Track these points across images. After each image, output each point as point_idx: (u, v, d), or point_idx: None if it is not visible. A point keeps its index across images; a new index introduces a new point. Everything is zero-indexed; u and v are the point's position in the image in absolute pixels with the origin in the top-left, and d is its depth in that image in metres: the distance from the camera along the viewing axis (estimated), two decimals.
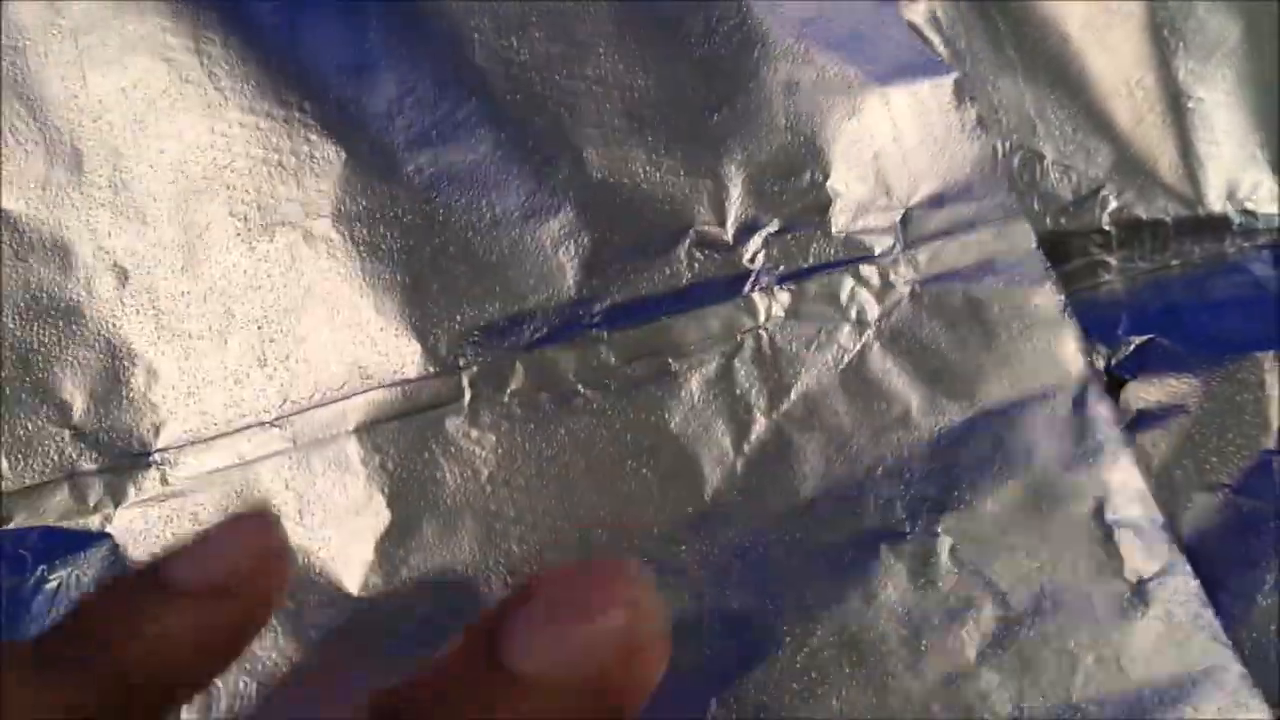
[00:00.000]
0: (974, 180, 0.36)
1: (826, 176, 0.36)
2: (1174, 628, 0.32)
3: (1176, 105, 0.39)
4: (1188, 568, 0.33)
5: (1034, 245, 0.35)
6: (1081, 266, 0.38)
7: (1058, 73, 0.39)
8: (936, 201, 0.36)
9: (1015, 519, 0.33)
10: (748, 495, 0.33)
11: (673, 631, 0.17)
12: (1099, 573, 0.33)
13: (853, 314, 0.35)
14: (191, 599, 0.17)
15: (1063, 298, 0.35)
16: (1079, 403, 0.34)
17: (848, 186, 0.36)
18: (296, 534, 0.33)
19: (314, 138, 0.36)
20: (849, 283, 0.35)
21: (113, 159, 0.35)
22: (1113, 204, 0.38)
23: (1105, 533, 0.33)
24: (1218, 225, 0.38)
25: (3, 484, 0.33)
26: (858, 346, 0.35)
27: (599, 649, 0.15)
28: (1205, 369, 0.36)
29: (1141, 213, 0.38)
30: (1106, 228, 0.38)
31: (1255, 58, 0.39)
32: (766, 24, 0.37)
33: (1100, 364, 0.36)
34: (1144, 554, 0.33)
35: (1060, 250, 0.38)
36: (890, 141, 0.36)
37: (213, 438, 0.34)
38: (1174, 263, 0.38)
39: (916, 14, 0.38)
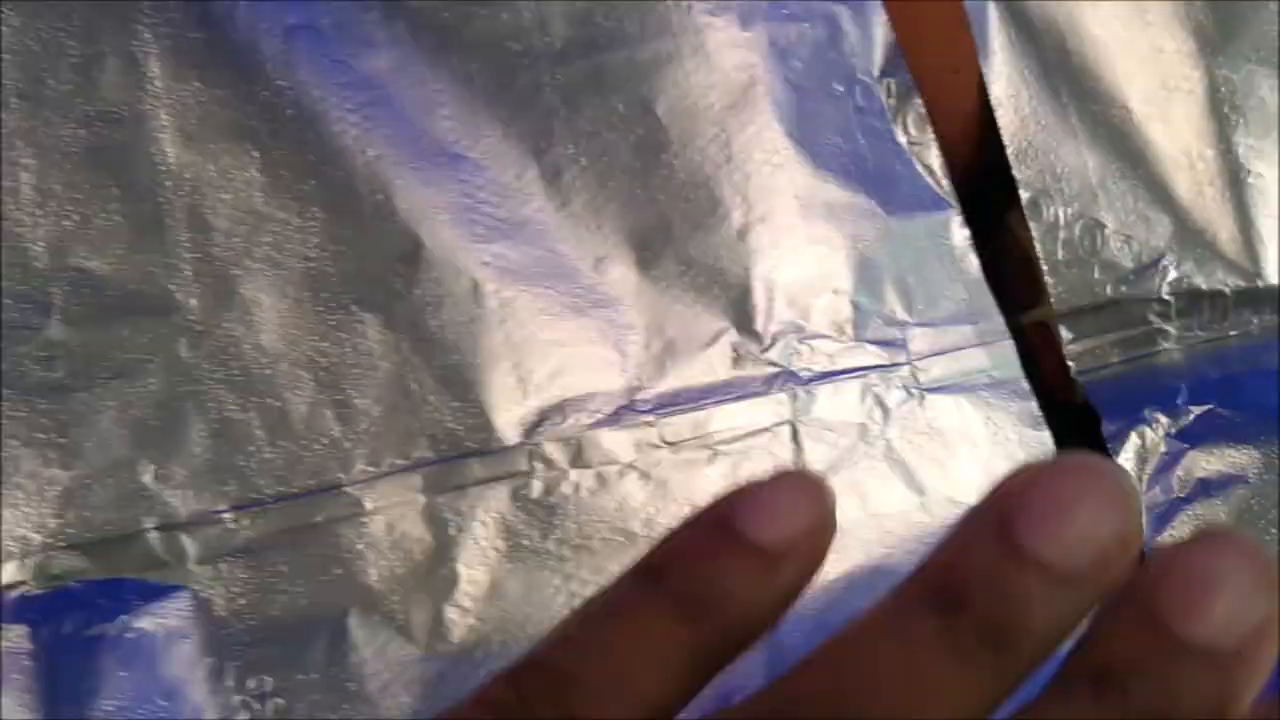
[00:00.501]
0: (968, 306, 0.40)
1: (846, 292, 0.40)
2: None
3: (1236, 179, 0.39)
4: None
5: (1018, 365, 0.39)
6: (1140, 334, 0.38)
7: (1119, 144, 0.39)
8: (936, 322, 0.40)
9: None
10: None
11: None
12: None
13: (866, 415, 0.39)
14: (767, 554, 0.16)
15: (1041, 414, 0.38)
16: None
17: (864, 302, 0.40)
18: (373, 592, 0.35)
19: (390, 228, 0.38)
20: (863, 387, 0.39)
21: (198, 228, 0.37)
22: (1172, 274, 0.38)
23: None
24: (1276, 298, 0.38)
25: (87, 534, 0.35)
26: (871, 445, 0.38)
27: (1111, 534, 0.15)
28: (1265, 441, 0.36)
29: (1201, 283, 0.38)
30: (1166, 297, 0.38)
31: None
32: (797, 152, 0.41)
33: (1161, 433, 0.36)
34: None
35: (1120, 318, 0.38)
36: (898, 266, 0.40)
37: (290, 497, 0.36)
38: (1232, 333, 0.38)
39: (929, 153, 0.41)
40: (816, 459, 0.38)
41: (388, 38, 0.39)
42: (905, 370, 0.39)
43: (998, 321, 0.39)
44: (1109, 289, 0.38)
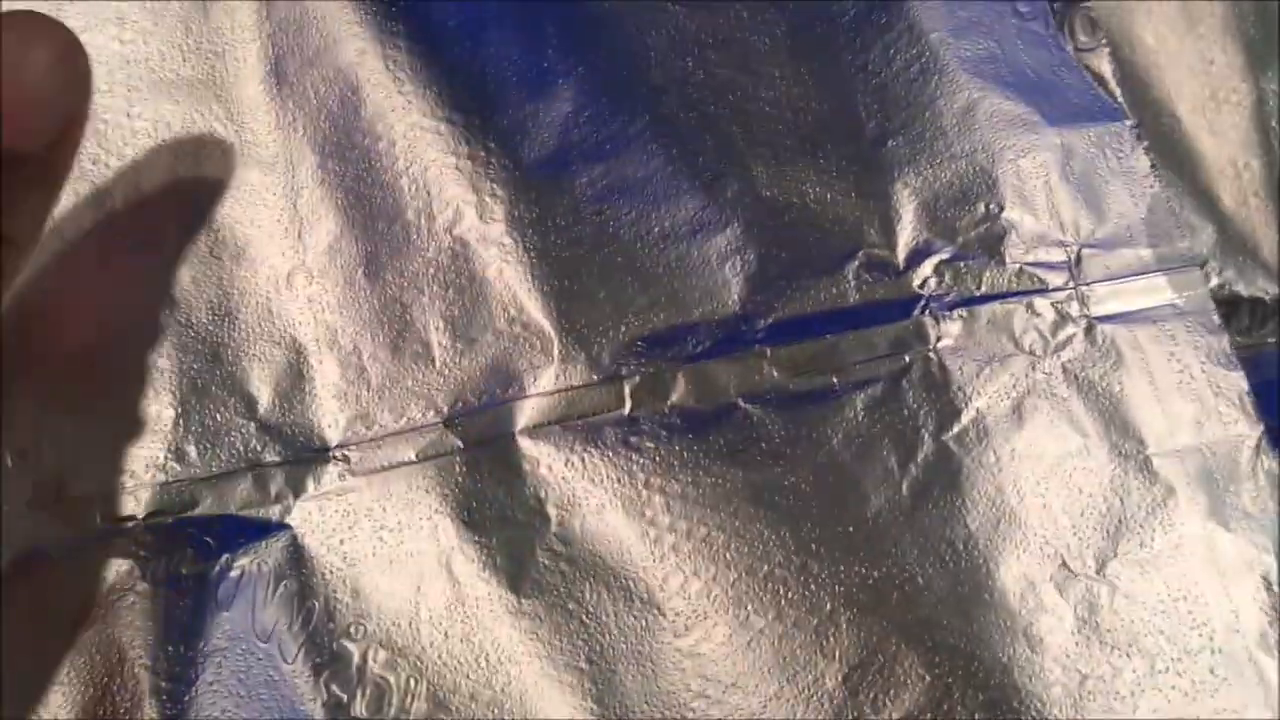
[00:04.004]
0: (1147, 227, 0.36)
1: (1001, 208, 0.36)
2: None
3: None
4: None
5: (1207, 296, 0.35)
6: None
7: (1166, 151, 0.41)
8: (1109, 243, 0.35)
9: (1183, 574, 0.32)
10: (911, 520, 0.33)
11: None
12: (1262, 640, 0.32)
13: (1026, 345, 0.35)
14: None
15: (1232, 351, 0.34)
16: (1245, 459, 0.33)
17: (1022, 219, 0.36)
18: (462, 533, 0.34)
19: (492, 145, 0.36)
20: (1022, 314, 0.35)
21: (301, 161, 0.37)
22: (1214, 280, 0.40)
23: (1273, 601, 0.32)
24: None
25: (191, 470, 0.34)
26: (1029, 379, 0.34)
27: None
28: None
29: (1242, 290, 0.40)
30: None
31: None
32: (944, 58, 0.37)
33: None
34: None
35: None
36: (1064, 181, 0.36)
37: (388, 435, 0.35)
38: (1270, 340, 0.40)
39: (1099, 61, 0.39)
40: (964, 395, 0.34)
41: None
42: (1072, 297, 0.35)
43: (1180, 246, 0.35)
44: None
